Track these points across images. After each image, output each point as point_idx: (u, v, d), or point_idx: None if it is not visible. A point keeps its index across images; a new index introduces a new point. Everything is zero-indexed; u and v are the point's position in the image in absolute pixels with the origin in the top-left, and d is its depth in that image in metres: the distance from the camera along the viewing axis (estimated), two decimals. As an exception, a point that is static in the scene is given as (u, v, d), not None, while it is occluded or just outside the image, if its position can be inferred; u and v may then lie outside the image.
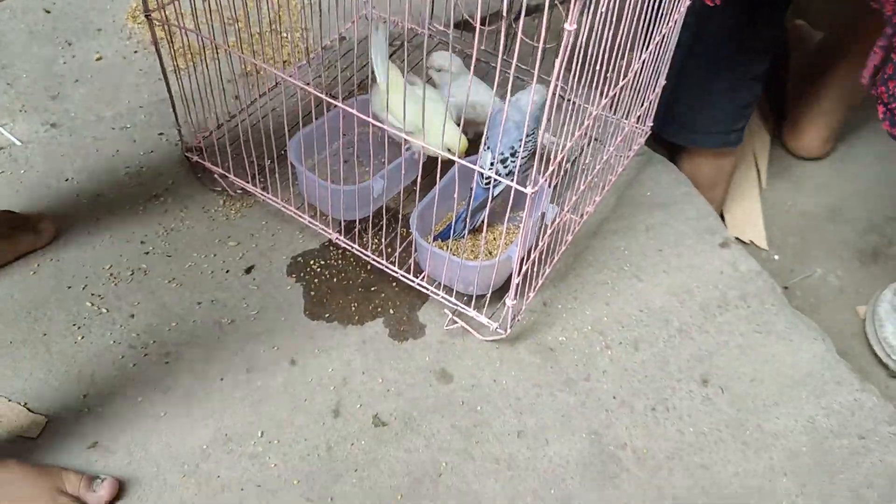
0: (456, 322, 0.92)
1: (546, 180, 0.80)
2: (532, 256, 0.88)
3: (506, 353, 0.92)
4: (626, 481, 0.83)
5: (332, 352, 0.91)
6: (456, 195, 0.93)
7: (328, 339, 0.92)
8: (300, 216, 0.97)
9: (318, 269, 0.98)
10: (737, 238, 1.26)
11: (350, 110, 0.81)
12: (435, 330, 0.94)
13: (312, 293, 0.96)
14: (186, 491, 0.78)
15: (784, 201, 1.35)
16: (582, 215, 1.00)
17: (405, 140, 0.86)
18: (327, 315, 0.94)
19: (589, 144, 1.07)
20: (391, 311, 0.95)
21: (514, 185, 0.76)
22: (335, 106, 0.82)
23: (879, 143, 1.41)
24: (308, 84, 0.85)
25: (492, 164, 0.92)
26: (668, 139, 1.24)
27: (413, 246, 0.96)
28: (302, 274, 0.98)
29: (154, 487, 0.78)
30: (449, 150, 0.89)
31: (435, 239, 0.97)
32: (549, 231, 0.90)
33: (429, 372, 0.90)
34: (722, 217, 1.28)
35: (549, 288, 0.99)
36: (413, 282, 0.92)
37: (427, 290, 0.92)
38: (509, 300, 0.86)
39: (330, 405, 0.86)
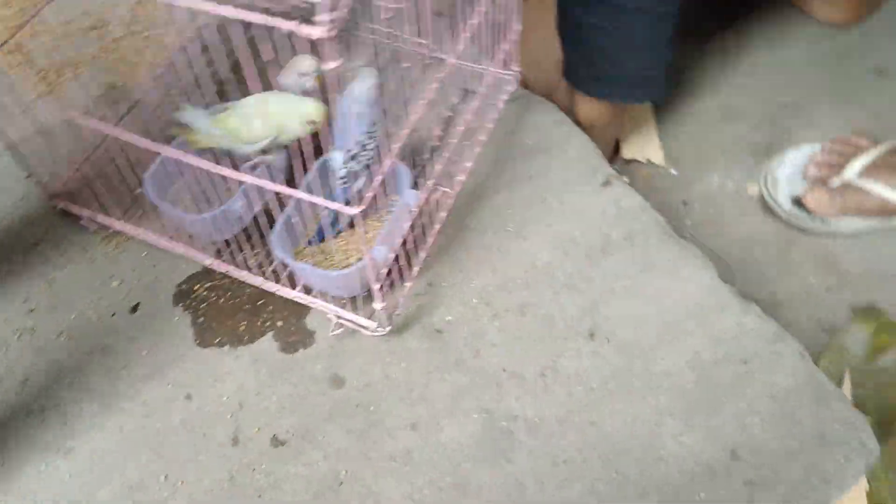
0: (341, 326, 0.93)
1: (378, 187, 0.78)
2: (407, 246, 0.88)
3: (395, 346, 0.93)
4: (519, 454, 0.86)
5: (226, 377, 0.93)
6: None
7: (221, 365, 0.93)
8: (173, 246, 0.96)
9: (205, 294, 0.99)
10: (634, 160, 1.25)
11: (179, 154, 0.79)
12: (324, 335, 0.95)
13: (201, 320, 0.97)
14: (103, 548, 0.83)
15: (677, 109, 1.31)
16: (455, 186, 0.99)
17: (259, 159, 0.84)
18: (217, 340, 0.95)
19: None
20: (279, 324, 0.96)
21: (336, 206, 0.75)
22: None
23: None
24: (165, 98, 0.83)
25: (345, 162, 0.90)
26: (594, 95, 1.15)
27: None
28: (189, 301, 0.98)
29: (72, 550, 0.83)
30: (313, 122, 0.87)
31: (309, 243, 0.96)
32: (410, 218, 0.90)
33: (321, 380, 0.92)
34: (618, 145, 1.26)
35: (433, 265, 0.99)
36: (290, 294, 0.92)
37: (306, 301, 0.92)
38: (377, 303, 0.86)
39: (229, 434, 0.89)
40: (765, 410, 0.87)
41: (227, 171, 0.75)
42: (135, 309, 0.98)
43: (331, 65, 0.56)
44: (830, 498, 0.84)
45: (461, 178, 0.99)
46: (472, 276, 0.97)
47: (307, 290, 0.92)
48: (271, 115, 0.87)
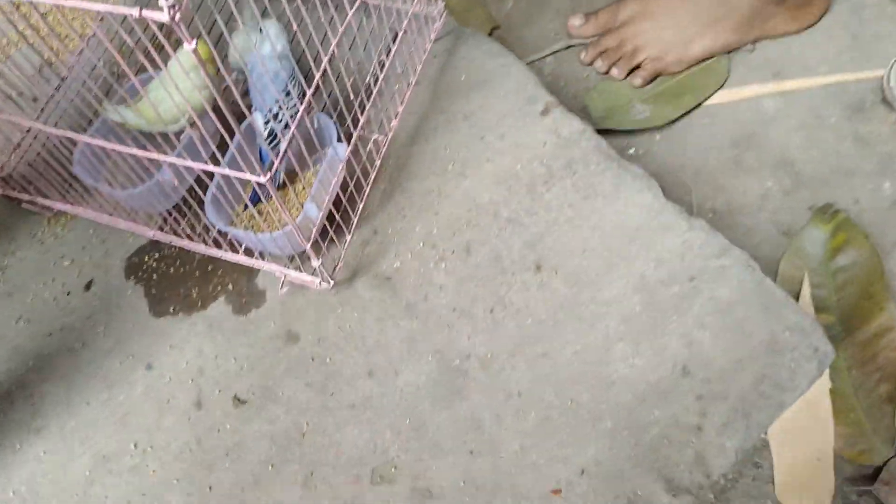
0: (287, 284, 0.94)
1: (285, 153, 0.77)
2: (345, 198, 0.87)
3: (346, 297, 0.94)
4: (473, 391, 0.87)
5: (184, 345, 0.94)
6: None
7: (177, 333, 0.95)
8: (115, 222, 0.96)
9: (155, 264, 0.99)
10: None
11: (94, 141, 0.78)
12: (275, 293, 0.96)
13: (153, 291, 0.98)
14: (81, 519, 0.86)
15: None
16: (388, 132, 0.97)
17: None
18: (172, 308, 0.97)
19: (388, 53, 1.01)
20: (231, 287, 0.97)
21: (244, 175, 0.73)
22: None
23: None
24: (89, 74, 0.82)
25: (266, 122, 0.89)
26: None
27: (231, 218, 0.96)
28: (140, 273, 0.99)
29: (52, 524, 0.87)
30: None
31: (246, 207, 0.96)
32: (341, 170, 0.89)
33: (276, 338, 0.93)
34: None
35: (378, 213, 0.99)
36: (234, 258, 0.93)
37: (250, 263, 0.93)
38: (314, 261, 0.87)
39: (191, 399, 0.91)
40: (713, 325, 0.87)
41: (141, 153, 0.75)
42: (88, 286, 0.99)
43: (186, 47, 0.54)
44: (784, 404, 0.85)
45: (394, 123, 0.98)
46: (415, 222, 0.97)
47: (250, 253, 0.93)
48: (173, 91, 0.85)
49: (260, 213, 0.93)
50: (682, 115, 1.15)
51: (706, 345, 0.87)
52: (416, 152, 1.02)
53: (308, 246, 0.83)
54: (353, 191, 0.94)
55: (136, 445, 0.89)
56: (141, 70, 0.98)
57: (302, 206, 0.88)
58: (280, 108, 0.87)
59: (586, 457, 0.83)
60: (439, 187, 0.99)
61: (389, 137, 0.97)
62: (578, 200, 0.96)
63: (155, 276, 0.98)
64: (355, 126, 0.91)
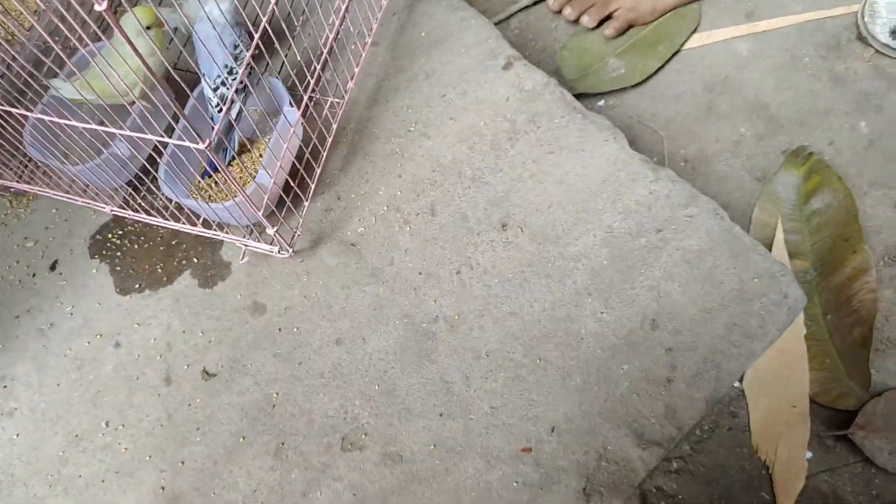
0: (247, 254, 0.93)
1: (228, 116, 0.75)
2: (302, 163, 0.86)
3: (311, 264, 0.93)
4: (441, 353, 0.87)
5: (151, 321, 0.93)
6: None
7: (144, 310, 0.94)
8: (73, 199, 0.95)
9: (119, 241, 0.98)
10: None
11: (38, 116, 0.76)
12: (240, 265, 0.95)
13: (119, 268, 0.97)
14: (56, 498, 0.86)
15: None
16: (345, 95, 0.95)
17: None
18: (137, 285, 0.96)
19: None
20: (196, 260, 0.96)
21: (185, 143, 0.72)
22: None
23: None
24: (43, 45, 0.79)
25: (215, 89, 0.87)
26: None
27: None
28: (104, 251, 0.98)
29: (27, 503, 0.87)
30: (149, 27, 0.84)
31: (203, 176, 0.94)
32: (295, 136, 0.87)
33: (243, 310, 0.92)
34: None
35: (340, 178, 0.97)
36: (195, 230, 0.91)
37: (210, 234, 0.91)
38: (269, 230, 0.85)
39: (161, 374, 0.90)
40: (681, 275, 0.86)
41: (91, 126, 0.73)
42: (53, 267, 0.98)
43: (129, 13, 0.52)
44: (755, 353, 0.84)
45: (350, 85, 0.95)
46: (378, 186, 0.95)
47: (208, 225, 0.91)
48: (119, 62, 0.83)
49: (216, 184, 0.92)
50: (659, 69, 1.12)
51: (675, 296, 0.85)
52: (377, 114, 1.00)
53: (261, 214, 0.81)
54: (310, 157, 0.92)
55: (107, 424, 0.89)
56: (95, 41, 0.95)
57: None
58: (230, 71, 0.85)
59: (556, 414, 0.82)
60: (402, 149, 0.97)
61: (346, 100, 0.95)
62: (543, 155, 0.94)
63: (119, 254, 0.97)
64: (306, 90, 0.88)
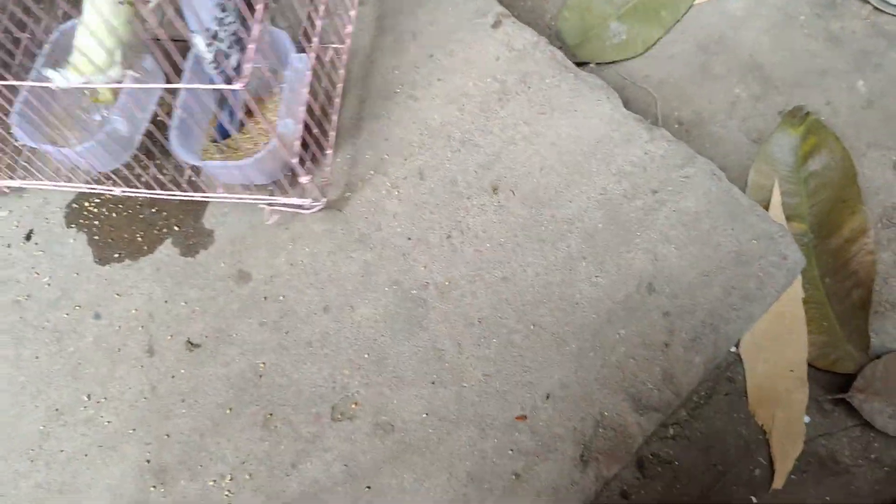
0: (276, 213, 0.89)
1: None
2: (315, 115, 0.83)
3: (297, 231, 0.90)
4: (432, 320, 0.84)
5: (132, 291, 0.90)
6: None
7: (125, 280, 0.91)
8: (76, 187, 0.90)
9: (96, 210, 0.95)
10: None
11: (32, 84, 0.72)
12: (224, 232, 0.92)
13: (97, 237, 0.93)
14: (38, 473, 0.84)
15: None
16: (345, 40, 0.91)
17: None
18: (117, 255, 0.92)
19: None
20: (177, 228, 0.93)
21: (220, 86, 0.68)
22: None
23: None
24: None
25: (208, 45, 0.83)
26: None
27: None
28: (81, 221, 0.95)
29: (7, 479, 0.84)
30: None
31: (214, 142, 0.91)
32: (307, 83, 0.84)
33: (227, 278, 0.89)
34: None
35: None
36: (213, 196, 0.88)
37: (232, 199, 0.88)
38: (302, 177, 0.82)
39: (143, 345, 0.88)
40: (678, 238, 0.84)
41: (93, 86, 0.69)
42: (29, 236, 0.95)
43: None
44: (754, 316, 0.82)
45: (349, 29, 0.92)
46: (365, 150, 0.92)
47: (230, 189, 0.88)
48: (99, 32, 0.79)
49: (228, 146, 0.89)
50: (660, 38, 1.09)
51: (672, 259, 0.83)
52: (363, 75, 0.96)
53: (296, 160, 0.78)
54: (325, 102, 0.88)
55: (89, 397, 0.86)
56: (65, 19, 0.91)
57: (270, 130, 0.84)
58: (220, 23, 0.81)
59: (552, 381, 0.80)
60: (388, 112, 0.94)
61: (348, 46, 0.91)
62: (534, 116, 0.91)
63: (97, 223, 0.94)
64: (309, 40, 0.84)
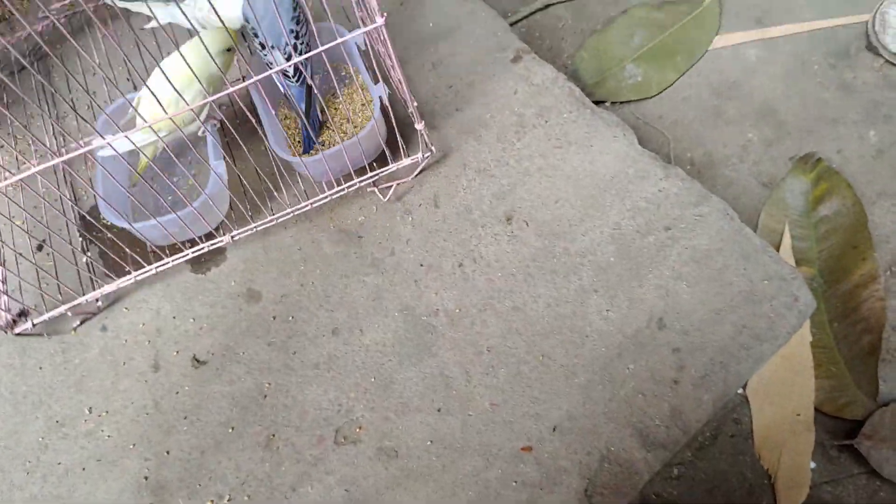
0: (386, 188, 0.92)
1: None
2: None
3: (309, 253, 0.90)
4: (441, 347, 0.84)
5: (141, 305, 0.90)
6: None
7: (134, 293, 0.91)
8: (179, 258, 0.90)
9: (108, 223, 0.95)
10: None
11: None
12: (235, 251, 0.92)
13: (109, 249, 0.93)
14: (34, 486, 0.82)
15: None
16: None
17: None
18: (128, 268, 0.92)
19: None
20: (188, 244, 0.93)
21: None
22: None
23: None
24: None
25: (288, 57, 0.84)
26: None
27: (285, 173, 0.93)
28: (94, 232, 0.95)
29: (2, 490, 0.83)
30: (229, 49, 0.83)
31: (308, 149, 0.92)
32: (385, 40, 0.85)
33: (237, 296, 0.89)
34: None
35: (343, 166, 0.94)
36: (331, 193, 0.89)
37: (342, 191, 0.90)
38: (418, 124, 0.85)
39: (149, 361, 0.87)
40: (690, 275, 0.84)
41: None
42: (41, 247, 0.95)
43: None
44: (764, 356, 0.82)
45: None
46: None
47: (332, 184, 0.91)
48: (188, 78, 0.79)
49: (322, 144, 0.92)
50: (675, 81, 1.11)
51: (683, 296, 0.83)
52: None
53: (414, 105, 0.82)
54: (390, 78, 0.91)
55: (91, 410, 0.85)
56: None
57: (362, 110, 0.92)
58: (297, 36, 0.83)
59: (559, 413, 0.80)
60: (406, 137, 0.95)
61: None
62: (550, 150, 0.92)
63: (110, 234, 0.94)
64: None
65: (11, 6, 0.65)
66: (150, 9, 0.72)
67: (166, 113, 0.70)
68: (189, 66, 0.70)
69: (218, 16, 0.65)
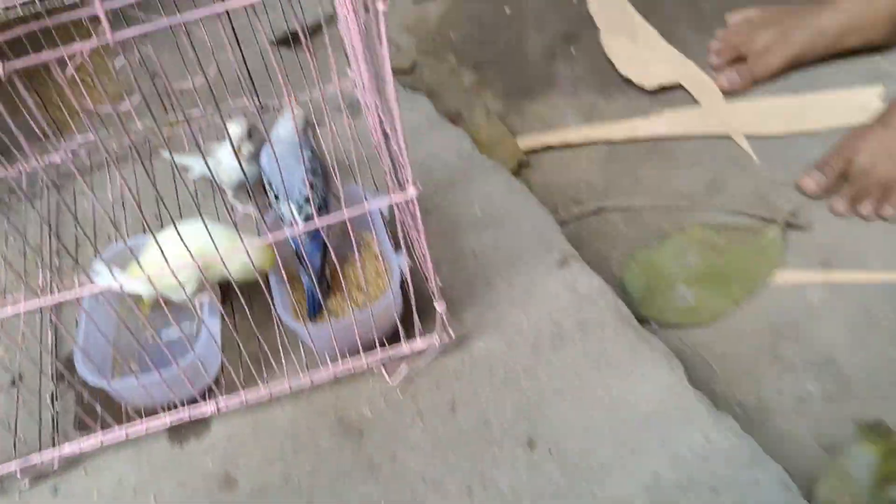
0: (398, 369, 0.83)
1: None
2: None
3: (303, 442, 0.80)
4: (429, 588, 0.71)
5: (103, 470, 0.79)
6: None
7: (98, 456, 0.80)
8: (172, 419, 0.82)
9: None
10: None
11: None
12: (220, 425, 0.82)
13: (84, 400, 0.84)
14: None
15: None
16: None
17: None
18: (100, 422, 0.82)
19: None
20: (169, 408, 0.83)
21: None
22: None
23: None
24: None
25: (300, 208, 0.80)
26: None
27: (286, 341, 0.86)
28: (68, 383, 0.86)
29: None
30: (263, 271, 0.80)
31: (314, 315, 0.84)
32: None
33: (211, 479, 0.78)
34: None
35: (358, 349, 0.86)
36: (335, 370, 0.82)
37: (347, 369, 0.82)
38: (438, 304, 0.78)
39: (92, 539, 0.75)
40: (735, 552, 0.71)
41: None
42: (13, 383, 0.86)
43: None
44: None
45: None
46: (398, 365, 0.84)
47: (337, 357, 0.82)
48: (198, 252, 0.75)
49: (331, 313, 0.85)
50: (729, 310, 1.03)
51: (724, 576, 0.70)
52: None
53: (435, 279, 0.77)
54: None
55: (10, 587, 0.73)
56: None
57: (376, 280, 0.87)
58: (311, 187, 0.78)
59: None
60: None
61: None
62: (587, 370, 0.82)
63: (81, 389, 0.85)
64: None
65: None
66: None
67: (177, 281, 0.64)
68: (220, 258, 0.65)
69: (243, 171, 0.61)
